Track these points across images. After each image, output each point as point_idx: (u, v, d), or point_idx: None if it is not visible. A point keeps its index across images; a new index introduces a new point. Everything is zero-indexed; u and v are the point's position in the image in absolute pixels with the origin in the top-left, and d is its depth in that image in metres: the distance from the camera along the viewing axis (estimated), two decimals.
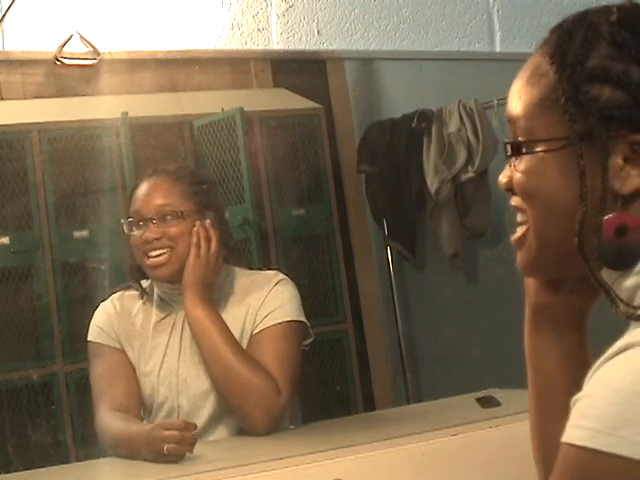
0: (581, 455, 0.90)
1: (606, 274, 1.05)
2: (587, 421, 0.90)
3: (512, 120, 1.10)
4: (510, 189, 1.12)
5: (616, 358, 0.92)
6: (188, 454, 2.06)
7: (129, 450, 2.16)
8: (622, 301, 1.03)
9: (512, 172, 1.10)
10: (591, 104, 1.02)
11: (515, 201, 1.12)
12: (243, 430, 2.31)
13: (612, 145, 1.02)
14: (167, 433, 2.05)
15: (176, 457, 2.04)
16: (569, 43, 1.05)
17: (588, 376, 0.94)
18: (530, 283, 1.21)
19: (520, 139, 1.09)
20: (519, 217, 1.12)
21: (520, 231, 1.12)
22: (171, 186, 2.36)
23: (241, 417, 2.28)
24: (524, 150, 1.08)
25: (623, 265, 1.03)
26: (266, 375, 2.25)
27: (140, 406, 2.34)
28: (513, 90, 1.11)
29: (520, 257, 1.13)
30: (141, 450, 2.11)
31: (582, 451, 0.90)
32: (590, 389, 0.92)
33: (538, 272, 1.16)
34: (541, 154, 1.06)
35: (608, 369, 0.92)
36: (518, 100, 1.09)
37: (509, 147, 1.09)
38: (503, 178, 1.13)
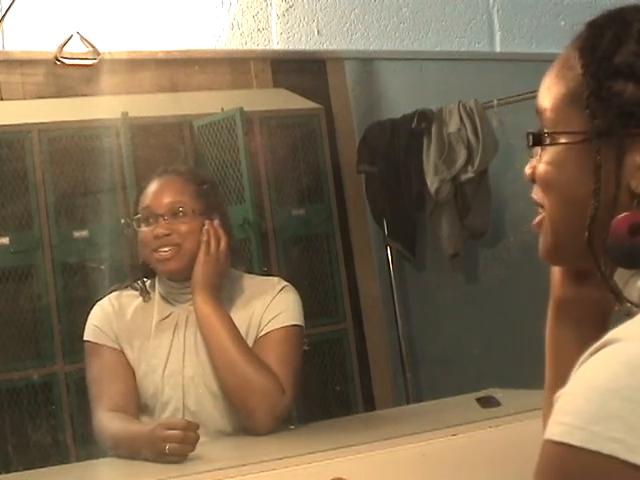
0: (559, 451, 0.91)
1: (619, 272, 1.06)
2: (565, 417, 0.91)
3: (540, 111, 1.11)
4: (534, 180, 1.13)
5: (596, 355, 0.93)
6: (189, 454, 2.06)
7: (130, 450, 2.16)
8: (625, 298, 1.04)
9: (536, 163, 1.11)
10: (613, 100, 1.03)
11: (535, 193, 1.13)
12: (247, 430, 2.31)
13: (630, 143, 1.03)
14: (169, 432, 2.05)
15: (178, 457, 2.04)
16: (599, 38, 1.06)
17: (573, 372, 0.94)
18: (556, 276, 1.22)
19: (545, 130, 1.10)
20: (540, 210, 1.13)
21: (540, 216, 1.13)
22: (182, 185, 2.40)
23: (245, 415, 2.29)
24: (544, 141, 1.09)
25: (634, 264, 1.04)
26: (271, 374, 2.27)
27: (137, 406, 2.34)
28: (544, 82, 1.12)
29: (540, 244, 1.14)
30: (143, 450, 2.10)
31: (560, 447, 0.90)
32: (570, 386, 0.93)
33: (555, 261, 1.17)
34: (562, 146, 1.07)
35: (588, 366, 0.93)
36: (547, 92, 1.10)
37: (531, 137, 1.11)
38: (528, 169, 1.14)
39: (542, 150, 1.10)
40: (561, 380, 1.06)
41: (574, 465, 0.90)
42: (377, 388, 3.64)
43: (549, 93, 1.10)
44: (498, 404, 2.37)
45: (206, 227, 2.34)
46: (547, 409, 1.18)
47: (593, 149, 1.04)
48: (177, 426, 2.07)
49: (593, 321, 1.18)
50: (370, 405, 3.56)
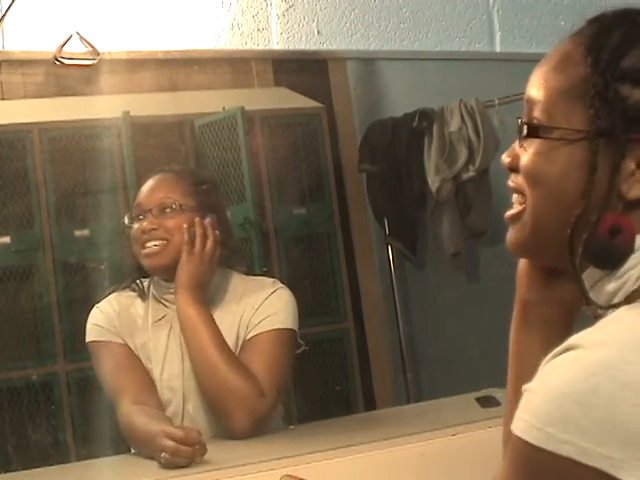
0: (520, 444, 0.95)
1: (591, 273, 1.06)
2: (525, 414, 0.95)
3: (531, 102, 1.10)
4: (512, 168, 1.12)
5: (558, 358, 0.96)
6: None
7: (145, 449, 2.13)
8: (593, 301, 1.05)
9: (519, 152, 1.11)
10: (618, 103, 1.02)
11: (515, 181, 1.12)
12: (227, 433, 2.27)
13: (629, 148, 1.02)
14: (164, 442, 2.01)
15: (171, 467, 2.00)
16: (607, 38, 1.05)
17: (539, 369, 0.98)
18: (522, 278, 1.22)
19: (536, 121, 1.09)
20: (515, 198, 1.13)
21: (515, 209, 1.12)
22: (174, 182, 2.38)
23: (223, 418, 2.25)
24: (540, 133, 1.08)
25: (606, 264, 1.05)
26: (251, 378, 2.24)
27: (157, 395, 2.30)
28: (537, 73, 1.11)
29: (511, 234, 1.14)
30: (151, 451, 2.08)
31: (521, 441, 0.95)
32: (534, 383, 0.96)
33: (526, 253, 1.17)
34: (556, 141, 1.06)
35: (550, 368, 0.96)
36: (542, 83, 1.09)
37: (525, 127, 1.09)
38: (506, 158, 1.13)
39: (527, 140, 1.09)
40: (525, 382, 1.07)
41: (534, 460, 0.94)
42: (378, 387, 3.63)
43: (545, 85, 1.09)
44: (498, 404, 2.36)
45: (185, 225, 2.29)
46: (510, 411, 1.19)
47: (592, 149, 1.03)
48: (174, 437, 2.02)
49: (558, 323, 1.19)
50: (370, 405, 3.55)
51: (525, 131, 1.09)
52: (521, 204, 1.11)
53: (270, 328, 2.31)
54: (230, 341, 2.30)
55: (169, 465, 2.01)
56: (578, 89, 1.05)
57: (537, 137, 1.08)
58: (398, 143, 3.71)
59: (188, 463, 2.01)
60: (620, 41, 1.04)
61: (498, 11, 2.65)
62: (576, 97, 1.05)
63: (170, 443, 2.01)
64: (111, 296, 2.40)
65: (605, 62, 1.04)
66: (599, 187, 1.03)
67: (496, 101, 3.50)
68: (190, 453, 2.01)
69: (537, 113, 1.09)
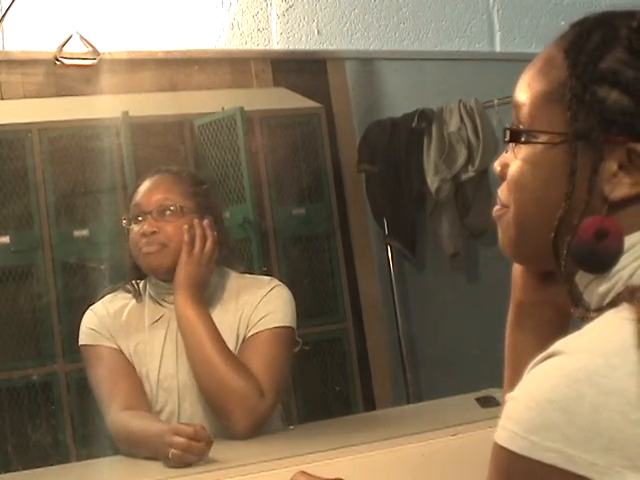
0: (503, 454, 0.94)
1: (580, 276, 1.06)
2: (509, 423, 0.94)
3: (517, 106, 1.10)
4: (503, 177, 1.12)
5: (540, 365, 0.95)
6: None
7: (144, 450, 2.14)
8: (582, 303, 1.05)
9: (509, 159, 1.11)
10: (595, 105, 1.02)
11: (501, 191, 1.12)
12: (228, 433, 2.27)
13: (608, 150, 1.02)
14: (175, 439, 2.02)
15: (180, 464, 2.01)
16: (586, 41, 1.05)
17: (524, 376, 0.97)
18: (517, 279, 1.22)
19: (521, 127, 1.09)
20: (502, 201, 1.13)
21: (501, 210, 1.12)
22: (173, 184, 2.37)
23: (223, 418, 2.25)
24: (522, 138, 1.08)
25: (594, 268, 1.04)
26: (250, 377, 2.24)
27: (148, 401, 2.30)
28: (524, 77, 1.11)
29: (500, 239, 1.14)
30: (153, 451, 2.09)
31: (504, 451, 0.94)
32: (517, 391, 0.96)
33: (517, 257, 1.16)
34: (539, 146, 1.06)
35: (532, 375, 0.96)
36: (527, 87, 1.09)
37: (508, 133, 1.10)
38: (497, 165, 1.13)
39: (516, 147, 1.09)
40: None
41: (517, 470, 0.93)
42: (377, 388, 3.63)
43: (529, 89, 1.08)
44: (498, 404, 2.36)
45: (186, 226, 2.30)
46: None
47: (570, 152, 1.03)
48: (185, 433, 2.03)
49: (553, 325, 1.18)
50: (370, 405, 3.56)
51: (507, 136, 1.10)
52: (504, 207, 1.12)
53: (269, 326, 2.31)
54: (231, 340, 2.30)
55: (178, 462, 2.01)
56: (558, 92, 1.05)
57: (518, 142, 1.08)
58: (397, 143, 3.71)
59: (197, 460, 2.02)
60: (598, 44, 1.04)
61: (498, 11, 2.65)
62: (556, 100, 1.05)
63: (181, 440, 2.01)
64: (106, 298, 2.40)
65: (582, 65, 1.04)
66: (581, 190, 1.03)
67: (495, 101, 3.50)
68: (201, 449, 2.02)
69: (521, 117, 1.09)
